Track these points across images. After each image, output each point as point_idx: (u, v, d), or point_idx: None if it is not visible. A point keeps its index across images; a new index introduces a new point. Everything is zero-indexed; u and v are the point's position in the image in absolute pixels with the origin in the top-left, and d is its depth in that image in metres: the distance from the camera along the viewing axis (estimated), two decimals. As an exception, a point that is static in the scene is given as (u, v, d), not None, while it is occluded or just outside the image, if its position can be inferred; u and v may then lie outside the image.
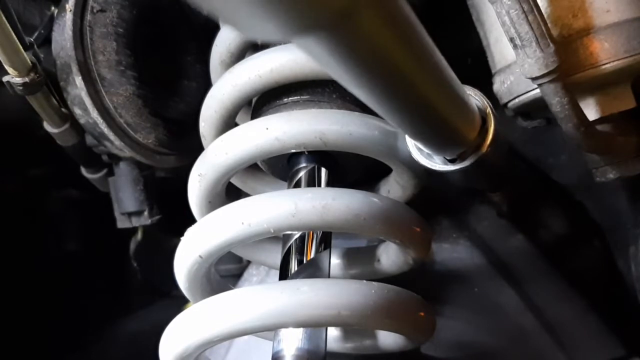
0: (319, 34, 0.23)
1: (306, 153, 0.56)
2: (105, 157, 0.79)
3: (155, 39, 0.75)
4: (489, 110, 0.46)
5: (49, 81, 0.69)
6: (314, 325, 0.48)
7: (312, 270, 0.52)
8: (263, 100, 0.60)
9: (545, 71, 0.50)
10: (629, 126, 0.60)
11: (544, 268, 0.75)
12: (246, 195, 0.54)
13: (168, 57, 0.78)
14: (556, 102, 0.51)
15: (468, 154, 0.45)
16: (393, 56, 0.28)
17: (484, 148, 0.45)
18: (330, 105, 0.57)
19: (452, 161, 0.46)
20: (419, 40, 0.30)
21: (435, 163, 0.47)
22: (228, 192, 0.58)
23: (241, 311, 0.45)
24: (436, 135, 0.41)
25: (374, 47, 0.26)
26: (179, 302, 0.69)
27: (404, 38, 0.28)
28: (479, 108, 0.46)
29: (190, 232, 0.51)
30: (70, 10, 0.65)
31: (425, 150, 0.47)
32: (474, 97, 0.46)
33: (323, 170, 0.56)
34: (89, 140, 0.76)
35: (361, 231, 0.50)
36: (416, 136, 0.44)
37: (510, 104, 0.62)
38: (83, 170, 0.83)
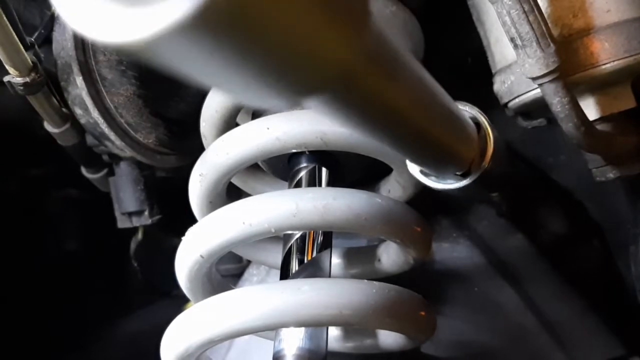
0: (320, 97, 0.24)
1: (307, 153, 0.56)
2: (105, 157, 0.79)
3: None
4: (488, 128, 0.46)
5: (49, 81, 0.69)
6: (315, 325, 0.48)
7: (313, 269, 0.52)
8: (264, 100, 0.60)
9: (546, 71, 0.50)
10: (629, 126, 0.60)
11: (544, 267, 0.75)
12: (247, 195, 0.54)
13: (168, 57, 0.77)
14: (556, 101, 0.51)
15: (470, 171, 0.46)
16: (391, 104, 0.30)
17: (486, 164, 0.45)
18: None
19: (452, 179, 0.47)
20: (416, 80, 0.31)
21: (439, 182, 0.47)
22: (229, 192, 0.58)
23: (242, 311, 0.45)
24: (436, 159, 0.42)
25: (373, 101, 0.28)
26: (180, 302, 0.69)
27: (402, 86, 0.30)
28: (476, 124, 0.46)
29: (191, 232, 0.51)
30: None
31: (426, 171, 0.47)
32: (471, 112, 0.47)
33: (324, 170, 0.56)
34: (90, 140, 0.76)
35: (362, 231, 0.50)
36: (416, 161, 0.45)
37: (510, 104, 0.62)
38: (83, 170, 0.83)
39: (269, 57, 0.18)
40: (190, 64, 0.19)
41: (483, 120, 0.46)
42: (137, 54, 0.16)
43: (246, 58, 0.18)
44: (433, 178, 0.47)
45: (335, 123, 0.30)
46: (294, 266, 0.52)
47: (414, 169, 0.48)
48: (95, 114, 0.67)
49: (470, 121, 0.45)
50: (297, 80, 0.20)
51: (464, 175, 0.46)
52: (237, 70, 0.18)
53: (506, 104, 0.63)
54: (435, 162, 0.42)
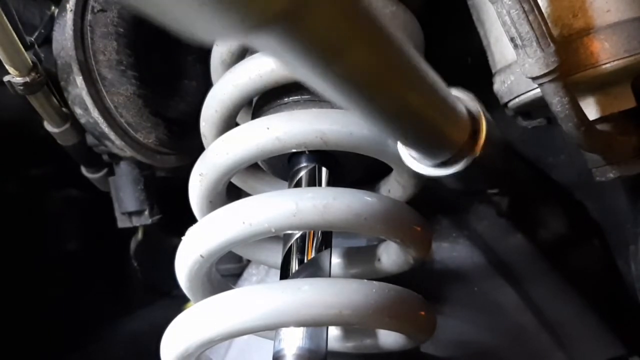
0: (269, 33, 0.22)
1: (307, 153, 0.56)
2: (105, 157, 0.79)
3: (155, 38, 0.75)
4: (480, 112, 0.45)
5: (49, 81, 0.69)
6: (315, 325, 0.48)
7: (313, 269, 0.52)
8: (264, 100, 0.60)
9: (546, 71, 0.50)
10: (629, 126, 0.60)
11: (544, 267, 0.75)
12: (247, 195, 0.54)
13: (169, 56, 0.78)
14: (556, 101, 0.51)
15: (460, 157, 0.44)
16: (353, 52, 0.27)
17: (477, 151, 0.44)
18: (331, 105, 0.57)
19: (443, 165, 0.45)
20: (383, 35, 0.28)
21: (428, 168, 0.46)
22: (229, 192, 0.58)
23: (242, 311, 0.45)
24: (418, 138, 0.40)
25: (329, 42, 0.25)
26: (180, 302, 0.69)
27: (364, 33, 0.27)
28: (470, 111, 0.45)
29: (191, 231, 0.51)
30: (71, 10, 0.65)
31: (417, 155, 0.46)
32: (464, 100, 0.45)
33: (324, 169, 0.56)
34: (90, 139, 0.76)
35: (362, 231, 0.50)
36: (398, 139, 0.43)
37: (510, 104, 0.62)
38: (83, 170, 0.83)
39: None
40: None
41: (476, 105, 0.45)
42: None
43: None
44: (423, 164, 0.46)
45: (297, 71, 0.26)
46: (294, 266, 0.52)
47: (404, 153, 0.47)
48: (95, 113, 0.67)
49: (460, 103, 0.44)
50: (240, 9, 0.19)
51: (453, 162, 0.45)
52: None
53: (506, 103, 0.63)
54: (417, 139, 0.40)
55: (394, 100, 0.33)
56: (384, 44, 0.29)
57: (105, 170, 0.81)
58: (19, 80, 0.65)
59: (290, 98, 0.58)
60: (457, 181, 0.46)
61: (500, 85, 0.62)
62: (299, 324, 0.46)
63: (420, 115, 0.36)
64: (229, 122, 0.58)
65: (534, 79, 0.51)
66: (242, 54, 0.60)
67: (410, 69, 0.32)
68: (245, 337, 0.53)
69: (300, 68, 0.26)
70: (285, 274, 0.52)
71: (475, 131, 0.45)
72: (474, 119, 0.45)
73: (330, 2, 0.23)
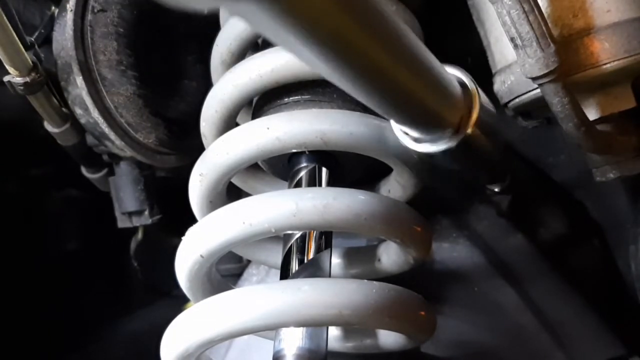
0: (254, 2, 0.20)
1: (307, 153, 0.56)
2: (105, 157, 0.79)
3: (155, 38, 0.75)
4: (473, 88, 0.45)
5: (49, 81, 0.69)
6: (315, 325, 0.48)
7: (313, 269, 0.52)
8: (264, 100, 0.60)
9: (546, 71, 0.50)
10: (629, 126, 0.60)
11: (544, 267, 0.75)
12: (247, 195, 0.54)
13: (169, 56, 0.78)
14: (556, 101, 0.51)
15: (453, 135, 0.44)
16: (342, 25, 0.26)
17: (469, 128, 0.44)
18: (331, 105, 0.57)
19: (436, 141, 0.45)
20: (374, 8, 0.28)
21: (420, 144, 0.45)
22: (229, 192, 0.58)
23: (242, 311, 0.45)
24: (410, 114, 0.39)
25: (318, 14, 0.24)
26: (180, 302, 0.69)
27: (355, 5, 0.26)
28: (465, 88, 0.45)
29: (191, 231, 0.51)
30: (71, 10, 0.65)
31: (411, 133, 0.46)
32: (460, 77, 0.45)
33: (324, 170, 0.56)
34: (90, 139, 0.76)
35: (362, 231, 0.50)
36: (388, 114, 0.42)
37: (510, 104, 0.62)
38: (83, 170, 0.83)
39: None
40: None
41: (469, 81, 0.45)
42: None
43: None
44: (416, 142, 0.46)
45: (281, 41, 0.25)
46: (294, 266, 0.52)
47: (396, 127, 0.47)
48: (95, 113, 0.67)
49: (453, 79, 0.44)
50: None
51: (445, 139, 0.44)
52: None
53: (506, 104, 0.63)
54: (408, 115, 0.40)
55: (384, 74, 0.32)
56: (372, 13, 0.28)
57: (105, 170, 0.81)
58: (19, 80, 0.65)
59: (291, 98, 0.58)
60: (451, 161, 0.46)
61: (501, 86, 0.62)
62: (299, 324, 0.46)
63: (412, 90, 0.36)
64: (229, 122, 0.58)
65: (534, 79, 0.51)
66: (243, 54, 0.60)
67: (401, 43, 0.32)
68: (246, 337, 0.53)
69: (287, 38, 0.25)
70: (285, 274, 0.52)
71: (469, 109, 0.44)
72: (468, 97, 0.44)
73: None
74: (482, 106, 0.44)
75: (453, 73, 0.45)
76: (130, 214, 0.80)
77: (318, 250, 0.53)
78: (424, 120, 0.42)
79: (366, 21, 0.28)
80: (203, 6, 0.20)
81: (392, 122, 0.47)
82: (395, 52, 0.32)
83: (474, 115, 0.44)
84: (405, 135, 0.46)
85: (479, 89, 0.45)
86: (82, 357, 0.99)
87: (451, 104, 0.42)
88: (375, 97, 0.35)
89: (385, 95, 0.35)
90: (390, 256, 0.60)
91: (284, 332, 0.49)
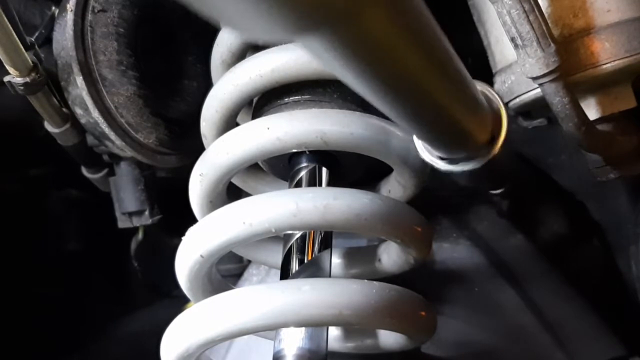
0: (323, 32, 0.21)
1: (307, 153, 0.56)
2: (106, 157, 0.79)
3: (156, 38, 0.75)
4: (502, 109, 0.44)
5: (49, 81, 0.69)
6: (315, 325, 0.48)
7: (313, 269, 0.52)
8: (264, 100, 0.60)
9: (546, 71, 0.50)
10: (630, 126, 0.60)
11: (544, 268, 0.75)
12: (247, 195, 0.54)
13: (169, 56, 0.78)
14: (557, 101, 0.51)
15: (479, 154, 0.44)
16: (402, 55, 0.27)
17: (497, 149, 0.44)
18: (332, 105, 0.57)
19: (462, 161, 0.45)
20: (432, 38, 0.28)
21: (445, 164, 0.46)
22: (229, 192, 0.58)
23: (242, 311, 0.45)
24: (447, 137, 0.40)
25: (381, 46, 0.25)
26: (180, 302, 0.69)
27: (415, 36, 0.27)
28: (490, 105, 0.45)
29: (191, 231, 0.51)
30: (71, 10, 0.65)
31: (435, 151, 0.46)
32: (487, 93, 0.45)
33: (324, 170, 0.56)
34: (90, 140, 0.76)
35: (362, 231, 0.50)
36: (425, 137, 0.42)
37: (511, 104, 0.62)
38: (84, 170, 0.83)
39: None
40: None
41: (498, 102, 0.45)
42: None
43: None
44: (439, 158, 0.46)
45: (339, 72, 0.26)
46: (294, 266, 0.52)
47: (420, 146, 0.47)
48: (95, 114, 0.67)
49: (485, 103, 0.44)
50: (295, 10, 0.18)
51: (470, 158, 0.44)
52: None
53: (506, 103, 0.63)
54: (445, 138, 0.40)
55: (431, 100, 0.33)
56: (432, 44, 0.29)
57: (105, 171, 0.81)
58: (19, 80, 0.65)
59: (291, 98, 0.58)
60: (467, 177, 0.46)
61: (501, 86, 0.62)
62: (299, 324, 0.46)
63: (452, 113, 0.36)
64: (230, 122, 0.58)
65: (534, 79, 0.51)
66: (243, 53, 0.60)
67: (450, 67, 0.32)
68: (246, 337, 0.53)
69: (342, 69, 0.26)
70: (285, 274, 0.52)
71: (497, 128, 0.44)
72: (495, 117, 0.44)
73: (389, 2, 0.23)
74: (508, 128, 0.44)
75: (483, 92, 0.45)
76: (130, 214, 0.80)
77: (318, 250, 0.53)
78: (456, 141, 0.42)
79: (429, 52, 0.29)
80: (274, 38, 0.20)
81: (415, 139, 0.47)
82: (449, 79, 0.32)
83: (501, 138, 0.44)
84: (426, 152, 0.46)
85: (505, 106, 0.45)
86: (82, 357, 0.99)
87: (483, 125, 0.42)
88: (408, 116, 0.35)
89: (429, 121, 0.35)
90: (391, 256, 0.60)
91: (284, 332, 0.49)
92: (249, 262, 0.83)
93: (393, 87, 0.29)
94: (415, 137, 0.48)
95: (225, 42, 0.60)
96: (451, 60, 0.32)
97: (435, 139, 0.41)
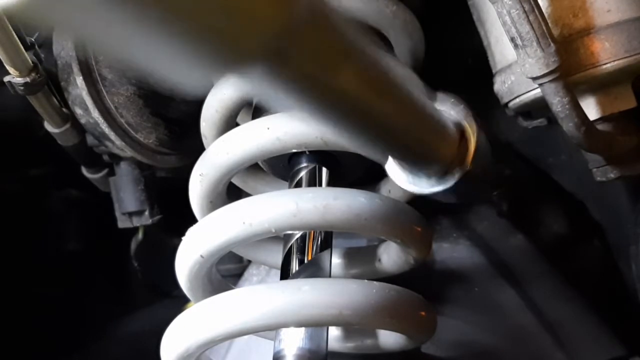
0: (257, 68, 0.21)
1: (307, 153, 0.56)
2: (106, 157, 0.79)
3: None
4: (465, 122, 0.43)
5: (49, 81, 0.69)
6: (315, 325, 0.48)
7: (313, 269, 0.52)
8: (264, 100, 0.60)
9: (546, 71, 0.50)
10: (630, 126, 0.60)
11: (544, 268, 0.75)
12: (247, 195, 0.54)
13: (169, 56, 0.78)
14: (557, 101, 0.51)
15: (451, 172, 0.43)
16: (341, 82, 0.27)
17: (467, 164, 0.42)
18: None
19: (436, 181, 0.44)
20: (369, 58, 0.28)
21: (420, 187, 0.44)
22: (229, 192, 0.58)
23: (242, 311, 0.45)
24: (407, 158, 0.39)
25: (316, 74, 0.25)
26: (180, 302, 0.69)
27: (353, 61, 0.27)
28: (457, 122, 0.43)
29: (191, 231, 0.51)
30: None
31: (407, 174, 0.45)
32: (452, 111, 0.44)
33: (324, 170, 0.56)
34: (90, 140, 0.76)
35: (362, 231, 0.50)
36: (384, 157, 0.42)
37: (511, 104, 0.62)
38: (84, 170, 0.83)
39: (194, 16, 0.16)
40: (103, 28, 0.16)
41: (462, 115, 0.44)
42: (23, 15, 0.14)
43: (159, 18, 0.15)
44: (415, 182, 0.45)
45: (277, 101, 0.28)
46: (294, 266, 0.52)
47: (393, 172, 0.46)
48: (95, 114, 0.67)
49: (447, 117, 0.43)
50: (226, 44, 0.18)
51: (443, 177, 0.43)
52: (152, 29, 0.16)
53: (506, 103, 0.63)
54: (401, 160, 0.40)
55: (379, 122, 0.33)
56: (370, 67, 0.29)
57: (105, 171, 0.81)
58: (19, 80, 0.65)
59: (291, 98, 0.58)
60: (449, 196, 0.45)
61: (501, 86, 0.62)
62: (299, 325, 0.46)
63: (407, 133, 0.36)
64: (230, 122, 0.58)
65: (534, 79, 0.51)
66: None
67: (397, 88, 0.32)
68: (246, 337, 0.53)
69: (284, 100, 0.26)
70: (285, 274, 0.52)
71: (464, 142, 0.43)
72: (461, 131, 0.43)
73: (317, 34, 0.23)
74: (478, 139, 0.43)
75: (446, 105, 0.44)
76: (130, 214, 0.80)
77: (318, 250, 0.53)
78: (422, 162, 0.41)
79: (369, 76, 0.29)
80: (200, 84, 0.20)
81: (390, 164, 0.46)
82: (394, 100, 0.32)
83: (471, 149, 0.43)
84: (404, 180, 0.45)
85: (473, 118, 0.44)
86: (82, 357, 0.99)
87: (444, 140, 0.41)
88: (371, 142, 0.35)
89: (382, 140, 0.35)
90: (391, 256, 0.60)
91: (284, 332, 0.49)
92: (249, 262, 0.83)
93: (336, 110, 0.29)
94: (388, 163, 0.46)
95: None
96: (397, 81, 0.32)
97: (395, 159, 0.41)
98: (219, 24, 0.17)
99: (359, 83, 0.28)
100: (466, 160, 0.43)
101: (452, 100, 0.44)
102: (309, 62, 0.24)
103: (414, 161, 0.41)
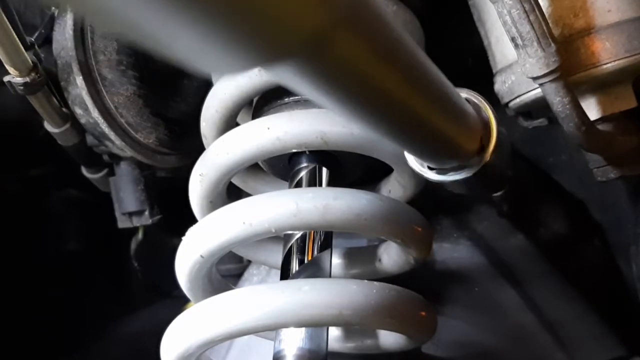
0: (293, 61, 0.21)
1: (307, 153, 0.56)
2: (106, 157, 0.79)
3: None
4: (490, 115, 0.44)
5: (49, 81, 0.69)
6: (316, 325, 0.48)
7: (314, 270, 0.52)
8: (264, 100, 0.60)
9: (547, 71, 0.50)
10: (630, 126, 0.60)
11: (545, 268, 0.75)
12: (247, 195, 0.54)
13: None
14: (557, 101, 0.51)
15: (470, 163, 0.44)
16: (377, 77, 0.26)
17: (487, 156, 0.43)
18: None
19: (454, 170, 0.45)
20: (406, 55, 0.28)
21: (437, 174, 0.45)
22: (229, 192, 0.58)
23: (242, 311, 0.45)
24: (434, 149, 0.40)
25: (353, 70, 0.24)
26: (180, 302, 0.69)
27: (388, 56, 0.26)
28: (479, 113, 0.44)
29: (191, 231, 0.51)
30: (71, 10, 0.65)
31: (425, 162, 0.46)
32: (475, 101, 0.45)
33: (324, 170, 0.56)
34: (90, 140, 0.76)
35: (362, 231, 0.50)
36: (412, 151, 0.42)
37: (511, 104, 0.62)
38: (84, 170, 0.83)
39: (230, 11, 0.16)
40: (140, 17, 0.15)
41: (487, 109, 0.44)
42: None
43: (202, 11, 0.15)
44: (429, 169, 0.46)
45: (313, 96, 0.26)
46: (294, 266, 0.52)
47: (409, 157, 0.47)
48: (95, 113, 0.67)
49: (472, 109, 0.43)
50: (264, 39, 0.18)
51: (462, 168, 0.44)
52: (192, 23, 0.15)
53: (507, 103, 0.63)
54: (432, 151, 0.40)
55: (411, 116, 0.32)
56: (408, 61, 0.28)
57: (105, 171, 0.81)
58: (19, 80, 0.65)
59: (291, 98, 0.58)
60: (461, 186, 0.46)
61: (501, 85, 0.62)
62: (299, 325, 0.46)
63: (436, 127, 0.36)
64: (230, 122, 0.58)
65: (534, 79, 0.51)
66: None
67: (429, 81, 0.32)
68: (246, 337, 0.53)
69: (317, 94, 0.25)
70: (285, 274, 0.52)
71: (486, 135, 0.44)
72: (484, 125, 0.44)
73: (358, 25, 0.22)
74: (498, 135, 0.44)
75: (470, 100, 0.45)
76: (130, 214, 0.80)
77: (318, 250, 0.53)
78: (446, 155, 0.42)
79: (407, 73, 0.28)
80: (239, 71, 0.20)
81: (405, 152, 0.47)
82: (430, 96, 0.32)
83: (493, 142, 0.44)
84: (418, 164, 0.46)
85: (495, 115, 0.44)
86: (82, 357, 0.99)
87: (471, 134, 0.42)
88: (402, 138, 0.35)
89: (414, 136, 0.35)
90: (391, 256, 0.60)
91: (284, 332, 0.49)
92: (249, 262, 0.83)
93: (371, 106, 0.28)
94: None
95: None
96: (428, 71, 0.31)
97: (422, 152, 0.41)
98: (260, 16, 0.17)
99: (399, 82, 0.28)
100: (487, 151, 0.43)
101: (473, 92, 0.45)
102: (346, 60, 0.23)
103: (438, 152, 0.41)
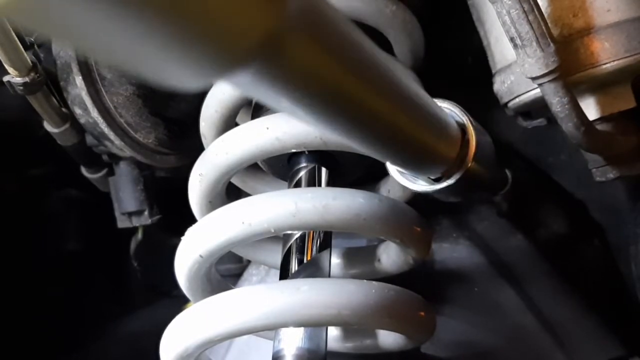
0: (249, 70, 0.20)
1: (306, 153, 0.56)
2: (105, 157, 0.79)
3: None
4: (468, 123, 0.44)
5: (49, 81, 0.69)
6: (315, 325, 0.48)
7: (313, 269, 0.52)
8: (263, 100, 0.60)
9: (546, 71, 0.50)
10: (630, 126, 0.60)
11: (544, 268, 0.75)
12: (246, 195, 0.54)
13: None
14: (556, 101, 0.51)
15: (452, 171, 0.44)
16: (339, 83, 0.25)
17: (468, 163, 0.44)
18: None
19: (436, 180, 0.45)
20: (368, 61, 0.27)
21: (420, 184, 0.46)
22: (228, 192, 0.58)
23: (242, 311, 0.45)
24: (410, 158, 0.40)
25: (313, 75, 0.24)
26: (179, 302, 0.69)
27: (349, 61, 0.25)
28: (458, 122, 0.45)
29: (190, 231, 0.51)
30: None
31: (406, 172, 0.46)
32: (451, 111, 0.45)
33: (323, 170, 0.56)
34: (89, 139, 0.76)
35: (361, 231, 0.50)
36: (391, 160, 0.43)
37: (510, 104, 0.62)
38: (83, 170, 0.83)
39: (181, 21, 0.15)
40: (87, 30, 0.15)
41: (463, 115, 0.45)
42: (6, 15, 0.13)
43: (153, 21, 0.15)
44: (410, 179, 0.46)
45: (277, 106, 0.25)
46: (294, 266, 0.52)
47: (391, 168, 0.47)
48: (94, 113, 0.67)
49: (450, 118, 0.44)
50: (216, 48, 0.17)
51: (447, 176, 0.44)
52: (144, 35, 0.15)
53: (506, 103, 0.63)
54: (408, 159, 0.40)
55: (385, 125, 0.32)
56: (371, 66, 0.28)
57: (105, 171, 0.81)
58: (18, 80, 0.65)
59: (290, 98, 0.58)
60: (449, 194, 0.46)
61: (500, 85, 0.62)
62: (298, 324, 0.46)
63: (412, 137, 0.36)
64: (229, 122, 0.58)
65: (533, 79, 0.51)
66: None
67: (396, 87, 0.31)
68: (245, 337, 0.53)
69: (284, 104, 0.25)
70: (284, 274, 0.52)
71: (465, 142, 0.44)
72: (462, 131, 0.44)
73: (311, 29, 0.22)
74: (477, 139, 0.44)
75: (446, 107, 0.45)
76: (130, 214, 0.80)
77: (318, 250, 0.53)
78: (425, 163, 0.42)
79: (371, 78, 0.28)
80: (193, 86, 0.19)
81: (387, 164, 0.47)
82: (398, 102, 0.32)
83: (471, 151, 0.44)
84: (401, 176, 0.46)
85: (472, 120, 0.45)
86: (82, 357, 0.99)
87: (449, 141, 0.42)
88: (375, 147, 0.35)
89: (387, 145, 0.35)
90: (390, 256, 0.60)
91: (284, 332, 0.49)
92: (249, 262, 0.83)
93: (338, 114, 0.28)
94: (387, 163, 0.47)
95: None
96: (396, 79, 0.31)
97: (401, 161, 0.41)
98: (206, 27, 0.16)
99: (357, 84, 0.27)
100: (467, 159, 0.44)
101: (448, 102, 0.45)
102: (302, 65, 0.22)
103: (416, 161, 0.41)
